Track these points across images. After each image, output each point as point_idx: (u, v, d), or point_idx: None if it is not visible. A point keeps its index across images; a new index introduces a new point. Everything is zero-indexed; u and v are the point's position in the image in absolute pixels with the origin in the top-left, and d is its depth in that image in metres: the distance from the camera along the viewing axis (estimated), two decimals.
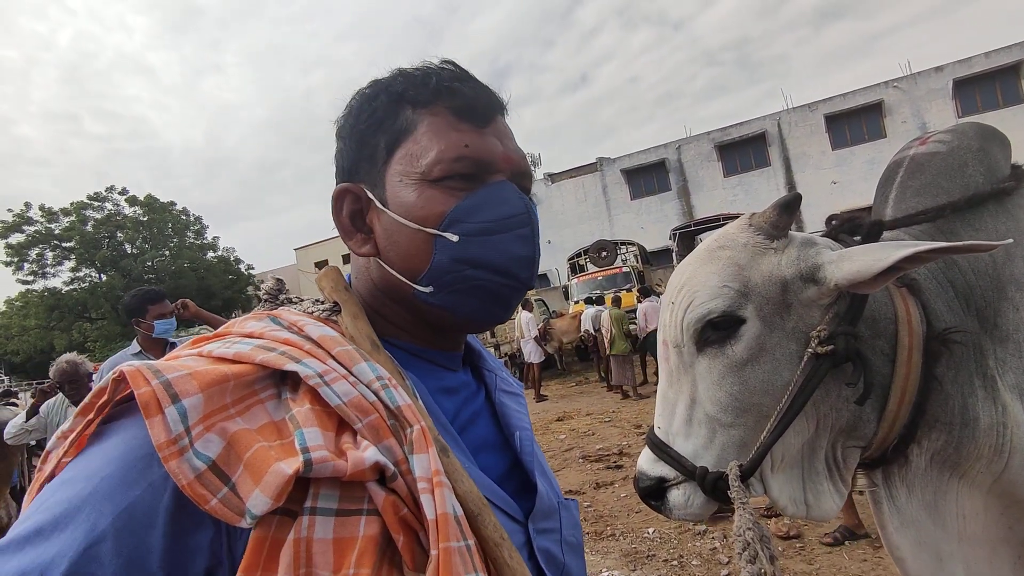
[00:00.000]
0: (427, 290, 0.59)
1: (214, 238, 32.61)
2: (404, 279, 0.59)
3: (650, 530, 3.99)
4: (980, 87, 19.98)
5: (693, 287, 1.11)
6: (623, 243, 16.80)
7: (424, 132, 0.59)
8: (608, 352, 9.61)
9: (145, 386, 0.43)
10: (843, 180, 21.31)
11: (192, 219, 31.79)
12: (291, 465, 0.42)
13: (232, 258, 33.20)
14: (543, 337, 11.34)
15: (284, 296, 0.63)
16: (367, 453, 0.46)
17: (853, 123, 21.74)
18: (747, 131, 23.18)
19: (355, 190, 0.61)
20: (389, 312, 0.63)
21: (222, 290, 30.35)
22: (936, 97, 20.36)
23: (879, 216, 1.32)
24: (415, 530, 0.47)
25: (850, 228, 1.20)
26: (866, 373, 1.03)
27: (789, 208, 1.08)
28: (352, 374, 0.51)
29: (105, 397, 0.46)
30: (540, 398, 10.73)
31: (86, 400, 0.47)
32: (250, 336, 0.52)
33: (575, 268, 16.51)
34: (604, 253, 15.68)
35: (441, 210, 0.57)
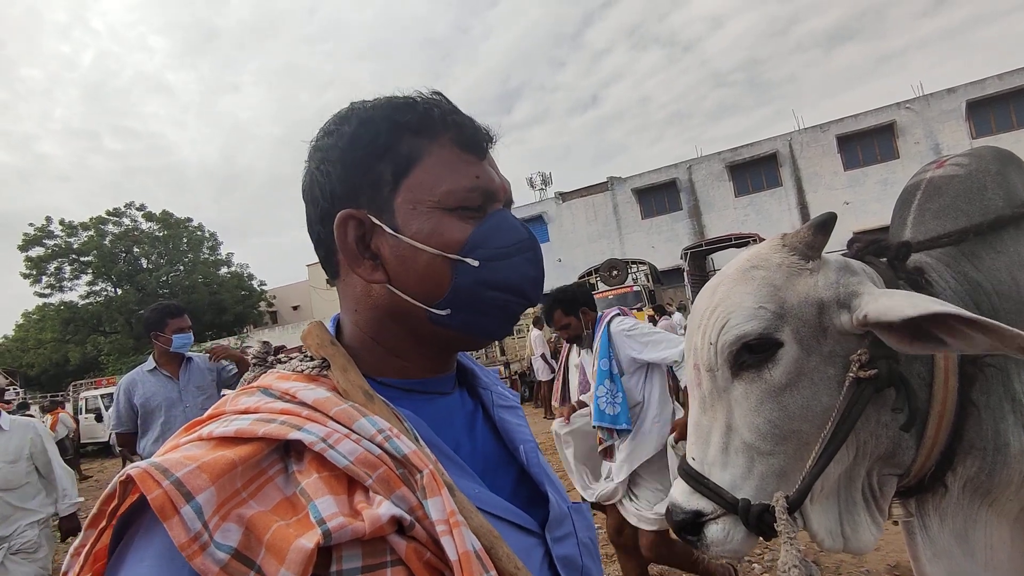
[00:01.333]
0: (444, 312, 0.60)
1: (228, 254, 33.09)
2: (419, 303, 0.61)
3: None
4: (994, 108, 19.90)
5: (727, 308, 1.07)
6: (634, 262, 16.80)
7: (435, 162, 0.61)
8: None
9: (156, 489, 0.43)
10: (855, 201, 21.22)
11: (207, 235, 32.30)
12: (311, 539, 0.44)
13: (245, 274, 33.61)
14: (553, 355, 11.30)
15: (273, 358, 0.65)
16: (382, 509, 0.47)
17: (865, 144, 21.71)
18: (758, 151, 23.20)
19: (359, 216, 0.61)
20: (389, 338, 0.64)
21: (234, 305, 30.67)
22: (949, 118, 20.30)
23: (897, 239, 1.30)
24: (440, 571, 0.49)
25: (876, 250, 1.18)
26: (910, 398, 1.00)
27: (824, 228, 1.05)
28: (354, 431, 0.52)
29: (115, 503, 0.46)
30: (550, 416, 10.65)
31: (95, 510, 0.47)
32: (246, 412, 0.53)
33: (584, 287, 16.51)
34: (615, 272, 15.69)
35: (460, 237, 0.60)
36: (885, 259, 1.17)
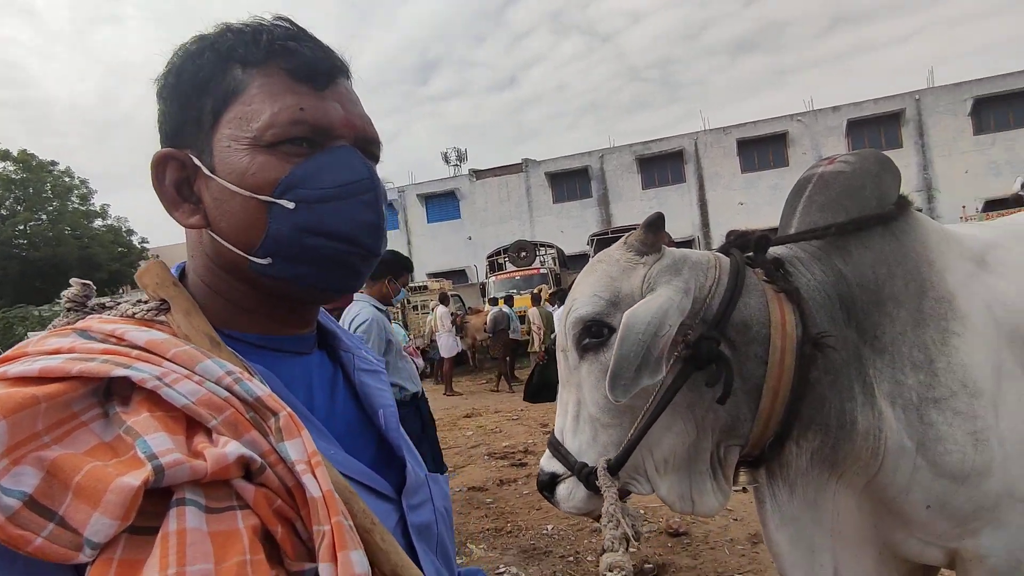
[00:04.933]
0: (264, 262, 0.55)
1: (103, 205, 29.51)
2: (239, 251, 0.55)
3: (549, 527, 4.02)
4: (868, 129, 22.00)
5: (574, 296, 1.24)
6: (542, 245, 17.06)
7: (256, 94, 0.55)
8: (533, 349, 9.71)
9: None
10: (749, 202, 22.77)
11: (76, 181, 28.77)
12: (138, 476, 0.37)
13: (124, 228, 30.39)
14: (458, 332, 11.26)
15: (95, 302, 0.55)
16: (228, 448, 0.42)
17: (761, 150, 23.30)
18: (666, 147, 24.23)
19: (179, 156, 0.56)
20: (230, 291, 0.59)
21: (109, 262, 27.63)
22: (832, 134, 22.24)
23: (787, 226, 1.43)
24: (291, 520, 0.45)
25: (741, 243, 1.31)
26: (726, 374, 1.11)
27: (653, 227, 1.19)
28: (196, 373, 0.46)
29: None
30: (452, 393, 10.64)
31: None
32: (56, 352, 0.45)
33: (494, 266, 16.55)
34: (523, 253, 15.84)
35: (275, 176, 0.54)
36: (749, 252, 1.28)
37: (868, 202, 1.34)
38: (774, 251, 1.31)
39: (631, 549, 1.00)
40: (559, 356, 1.28)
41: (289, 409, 0.48)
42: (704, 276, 1.20)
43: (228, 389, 0.46)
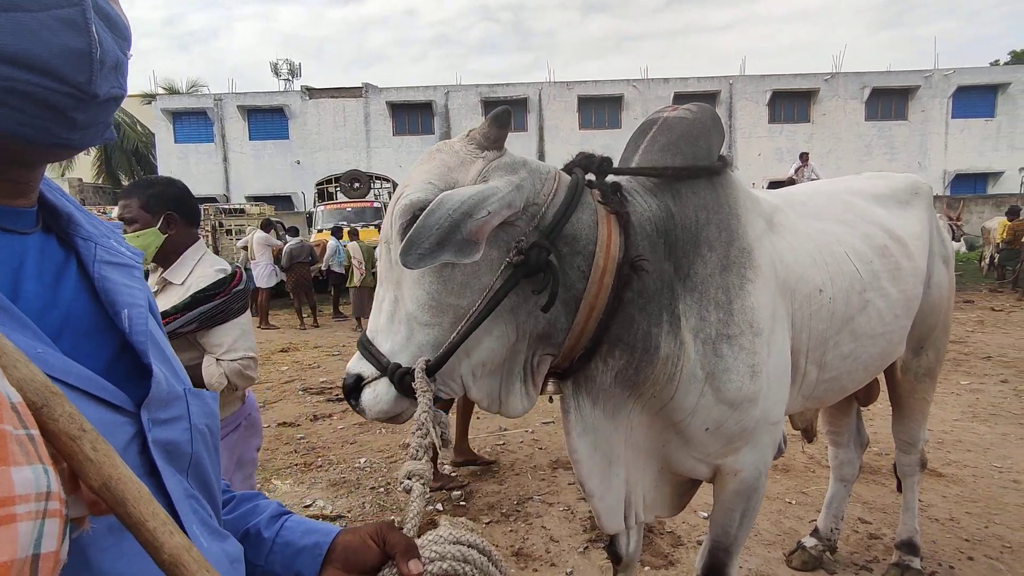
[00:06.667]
0: None
1: None
2: None
3: (361, 460, 3.95)
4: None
5: (407, 183, 1.16)
6: (379, 177, 16.28)
7: None
8: (351, 284, 9.39)
9: None
10: None
11: None
12: None
13: None
14: (280, 261, 10.38)
15: None
16: None
17: (598, 109, 24.49)
18: (512, 93, 24.32)
19: None
20: None
21: None
22: (661, 103, 23.94)
23: (628, 160, 1.50)
24: None
25: (585, 164, 1.32)
26: (552, 283, 1.12)
27: (499, 120, 1.15)
28: None
29: None
30: (267, 326, 9.90)
31: None
32: None
33: (323, 195, 15.48)
34: (357, 184, 15.01)
35: None
36: (591, 173, 1.31)
37: (701, 152, 1.45)
38: (615, 178, 1.36)
39: (441, 460, 0.91)
40: (381, 249, 1.20)
41: None
42: (541, 183, 1.20)
43: None
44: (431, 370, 1.09)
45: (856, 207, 1.92)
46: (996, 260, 12.21)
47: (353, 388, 1.15)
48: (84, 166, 25.76)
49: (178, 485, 0.56)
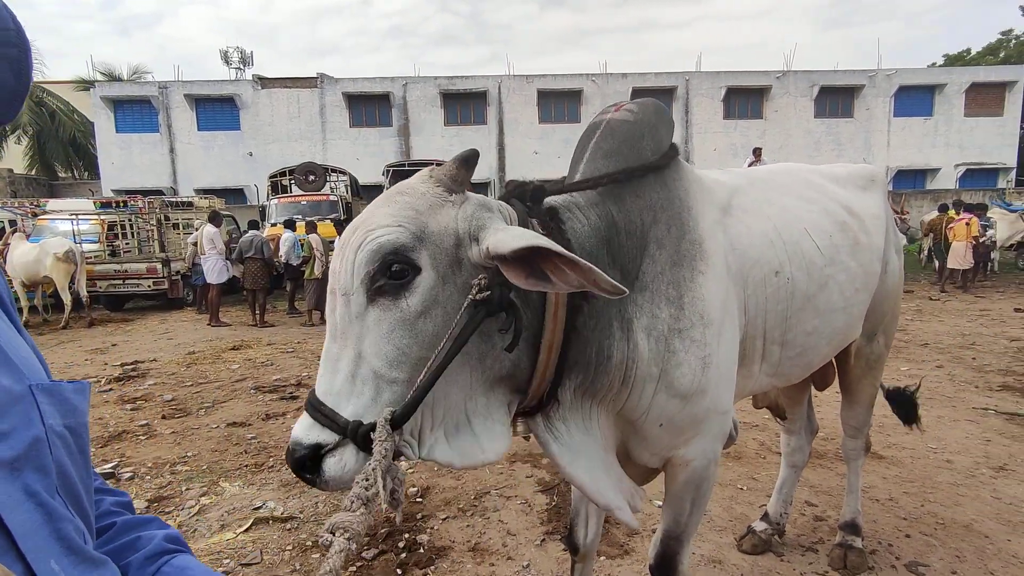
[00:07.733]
0: None
1: None
2: None
3: None
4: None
5: (368, 227, 1.04)
6: (334, 170, 15.87)
7: None
8: (308, 276, 9.21)
9: None
10: (543, 152, 24.00)
11: None
12: None
13: None
14: (233, 254, 10.04)
15: None
16: None
17: (558, 103, 24.53)
18: (471, 86, 24.12)
19: None
20: None
21: None
22: (619, 98, 24.25)
23: (576, 167, 1.47)
24: None
25: (518, 193, 1.27)
26: (516, 321, 1.08)
27: (468, 163, 1.09)
28: None
29: None
30: (218, 324, 9.56)
31: None
32: None
33: (276, 188, 15.02)
34: (312, 177, 14.60)
35: None
36: (527, 202, 1.26)
37: (645, 152, 1.43)
38: (554, 199, 1.32)
39: (392, 516, 0.81)
40: (329, 302, 1.07)
41: None
42: (509, 221, 1.16)
43: None
44: (397, 422, 0.97)
45: (816, 184, 1.98)
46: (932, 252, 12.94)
47: (312, 459, 0.99)
48: (15, 156, 24.26)
49: (27, 515, 0.48)
